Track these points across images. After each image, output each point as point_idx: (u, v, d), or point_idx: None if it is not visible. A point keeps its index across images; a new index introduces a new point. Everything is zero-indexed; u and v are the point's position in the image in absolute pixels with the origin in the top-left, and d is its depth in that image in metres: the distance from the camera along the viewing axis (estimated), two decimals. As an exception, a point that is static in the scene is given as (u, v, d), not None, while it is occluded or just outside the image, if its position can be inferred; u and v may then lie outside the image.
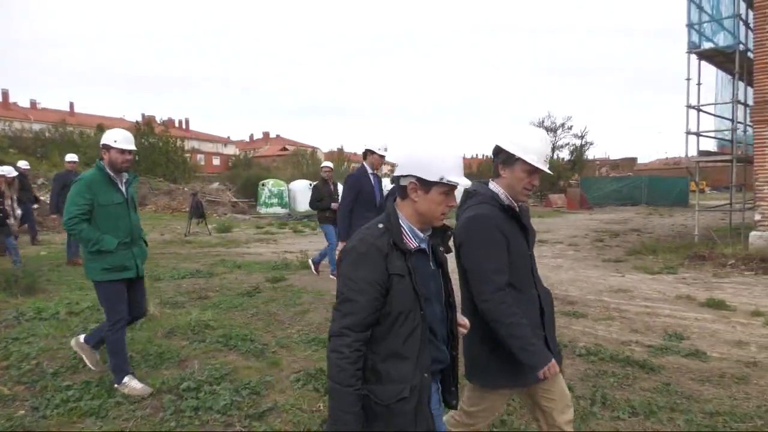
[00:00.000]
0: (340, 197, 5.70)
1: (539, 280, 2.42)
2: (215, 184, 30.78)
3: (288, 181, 29.70)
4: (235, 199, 27.97)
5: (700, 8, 11.88)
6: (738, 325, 5.69)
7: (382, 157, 5.37)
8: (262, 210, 26.45)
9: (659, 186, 33.32)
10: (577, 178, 40.08)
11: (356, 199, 5.22)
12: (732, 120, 11.86)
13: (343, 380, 1.69)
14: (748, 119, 11.56)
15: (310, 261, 8.98)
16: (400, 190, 1.83)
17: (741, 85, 12.31)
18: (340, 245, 5.31)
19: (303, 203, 28.15)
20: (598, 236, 14.90)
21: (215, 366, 4.25)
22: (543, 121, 43.36)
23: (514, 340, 2.13)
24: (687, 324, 5.77)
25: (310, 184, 29.55)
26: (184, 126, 68.26)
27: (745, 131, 12.59)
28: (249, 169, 38.35)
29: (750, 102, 10.86)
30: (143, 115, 51.01)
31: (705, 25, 12.10)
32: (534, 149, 2.23)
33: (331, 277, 8.39)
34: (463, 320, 2.06)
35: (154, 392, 3.76)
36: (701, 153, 12.64)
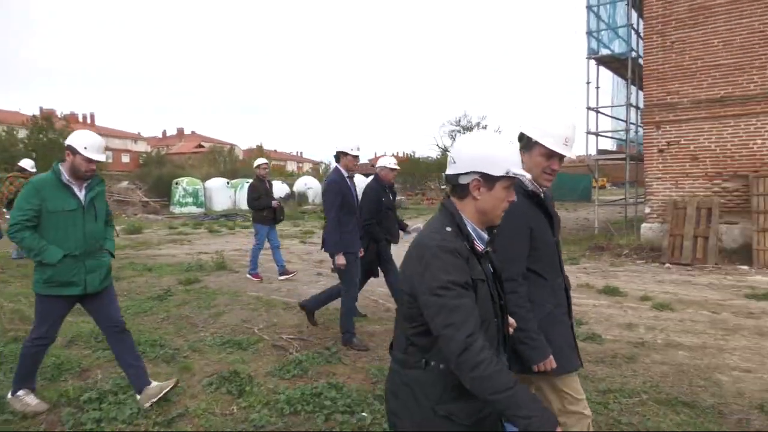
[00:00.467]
0: (328, 202, 5.02)
1: (563, 269, 2.40)
2: (124, 183, 29.06)
3: (204, 179, 28.62)
4: (146, 199, 26.57)
5: (598, 17, 12.79)
6: (629, 309, 6.21)
7: (356, 157, 5.07)
8: (176, 210, 25.33)
9: (566, 182, 35.46)
10: (492, 175, 41.63)
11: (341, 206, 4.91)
12: (626, 121, 12.88)
13: (509, 381, 1.51)
14: (640, 121, 12.60)
15: (248, 275, 8.40)
16: (460, 189, 1.73)
17: (634, 89, 13.39)
18: (340, 258, 4.82)
19: (219, 202, 27.28)
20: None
21: (121, 374, 4.04)
22: (459, 120, 44.76)
23: (516, 331, 2.09)
24: (586, 310, 6.21)
25: (228, 183, 28.75)
26: (88, 121, 63.76)
27: (637, 132, 13.72)
28: (162, 167, 36.57)
29: (641, 105, 11.84)
30: (41, 109, 47.05)
31: (602, 33, 13.04)
32: (552, 132, 2.20)
33: (248, 276, 8.21)
34: (511, 319, 1.99)
35: (51, 407, 3.52)
36: (600, 152, 13.64)
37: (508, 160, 1.69)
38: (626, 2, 12.96)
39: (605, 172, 45.50)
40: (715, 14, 9.55)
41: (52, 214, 3.32)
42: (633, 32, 12.96)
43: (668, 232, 9.67)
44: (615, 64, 13.27)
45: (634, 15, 13.07)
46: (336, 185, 4.89)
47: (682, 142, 10.01)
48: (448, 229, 1.68)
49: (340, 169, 5.01)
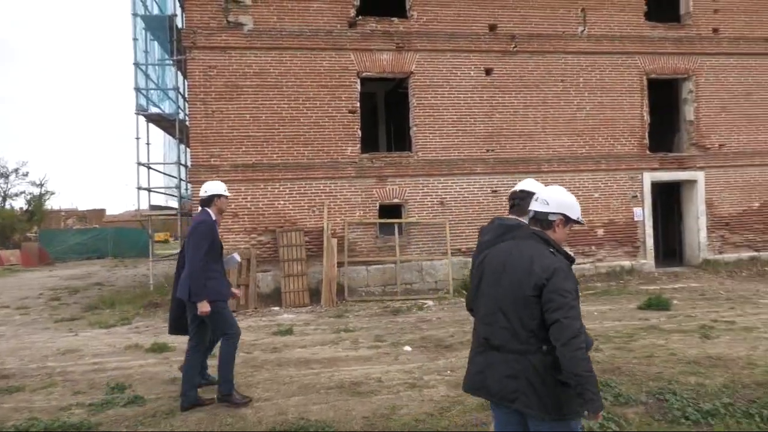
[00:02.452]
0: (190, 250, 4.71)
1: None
2: None
3: None
4: None
5: (147, 76, 13.10)
6: (175, 363, 6.35)
7: (228, 198, 5.04)
8: None
9: (126, 237, 33.89)
10: (36, 230, 36.03)
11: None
12: (178, 178, 13.48)
13: (591, 366, 2.25)
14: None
15: None
16: (547, 223, 2.52)
17: (183, 148, 14.19)
18: (204, 305, 4.58)
19: None
20: (54, 294, 13.74)
21: None
22: (-9, 165, 37.11)
23: None
24: (131, 372, 6.02)
25: None
26: None
27: (187, 189, 14.53)
28: None
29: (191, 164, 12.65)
30: None
31: (153, 91, 13.39)
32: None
33: None
34: None
35: None
36: (153, 207, 13.74)
37: (578, 210, 2.58)
38: (174, 66, 13.78)
39: (168, 227, 45.96)
40: (245, 93, 11.24)
41: None
42: (180, 96, 13.82)
43: (216, 283, 10.48)
44: (164, 123, 13.80)
45: (181, 78, 13.98)
46: (206, 226, 4.70)
47: (225, 200, 11.18)
48: (550, 250, 2.44)
49: (210, 211, 4.85)
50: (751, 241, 13.25)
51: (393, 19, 11.76)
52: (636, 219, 12.67)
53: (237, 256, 5.63)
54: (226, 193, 5.01)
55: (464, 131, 11.92)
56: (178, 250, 6.23)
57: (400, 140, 16.09)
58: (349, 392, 5.10)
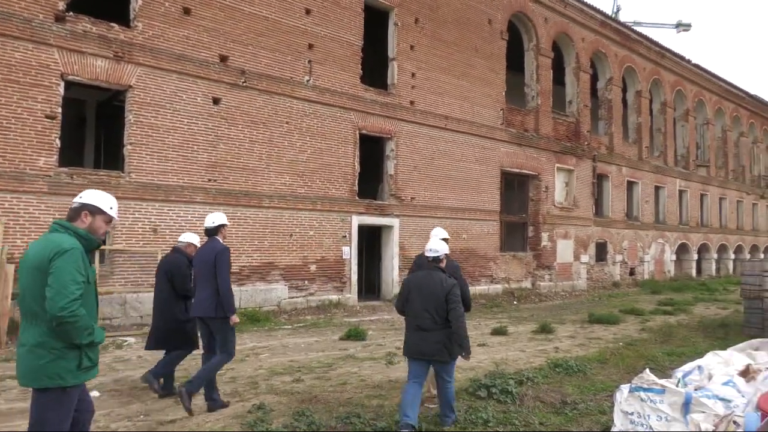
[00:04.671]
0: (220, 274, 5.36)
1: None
2: None
3: None
4: None
5: None
6: None
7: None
8: None
9: None
10: None
11: None
12: None
13: (467, 332, 4.84)
14: None
15: None
16: (439, 260, 4.96)
17: None
18: (235, 317, 5.39)
19: None
20: None
21: None
22: None
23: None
24: None
25: None
26: None
27: None
28: None
29: None
30: None
31: None
32: None
33: None
34: None
35: None
36: None
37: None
38: None
39: None
40: None
41: (89, 286, 3.00)
42: None
43: None
44: None
45: None
46: (228, 253, 5.43)
47: None
48: (446, 275, 4.89)
49: (219, 239, 5.55)
50: (430, 279, 15.92)
51: (113, 24, 10.68)
52: (344, 257, 13.97)
53: None
54: (228, 222, 5.86)
55: (186, 158, 11.42)
56: None
57: (112, 158, 14.47)
58: (6, 455, 4.18)
